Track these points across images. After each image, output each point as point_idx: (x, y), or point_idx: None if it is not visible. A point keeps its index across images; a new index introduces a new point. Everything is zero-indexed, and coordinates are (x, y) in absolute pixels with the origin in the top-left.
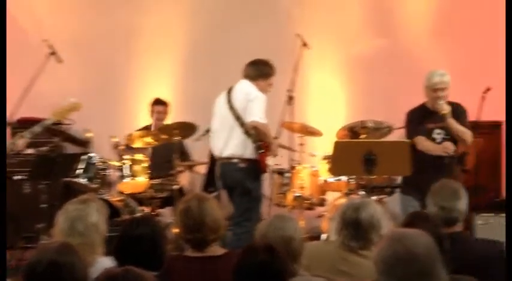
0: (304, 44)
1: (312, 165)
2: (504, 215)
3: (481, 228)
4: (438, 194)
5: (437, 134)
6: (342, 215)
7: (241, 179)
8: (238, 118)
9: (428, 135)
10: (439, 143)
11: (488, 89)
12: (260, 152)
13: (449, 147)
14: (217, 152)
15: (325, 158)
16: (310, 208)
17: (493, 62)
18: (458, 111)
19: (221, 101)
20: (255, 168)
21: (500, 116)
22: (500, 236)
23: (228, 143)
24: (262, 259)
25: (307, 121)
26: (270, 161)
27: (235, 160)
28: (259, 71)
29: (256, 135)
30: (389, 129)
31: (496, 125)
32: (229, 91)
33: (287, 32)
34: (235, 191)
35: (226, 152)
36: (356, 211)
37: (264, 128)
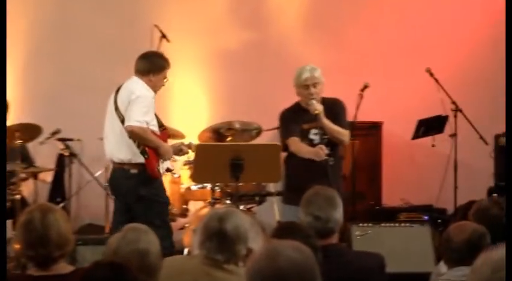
0: (163, 36)
1: (174, 171)
2: (385, 225)
3: (359, 240)
4: (311, 202)
5: (314, 134)
6: (205, 226)
7: (133, 186)
8: (123, 121)
9: (305, 136)
10: (318, 144)
11: (365, 87)
12: (146, 157)
13: (319, 151)
14: (108, 157)
15: (187, 163)
16: (171, 219)
17: (371, 58)
18: (335, 109)
19: (110, 101)
20: (147, 173)
21: (379, 116)
22: (380, 248)
23: (117, 147)
24: (105, 276)
25: (167, 122)
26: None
27: (126, 166)
28: (151, 64)
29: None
30: (258, 131)
31: (374, 125)
32: (118, 90)
33: (144, 22)
34: (129, 199)
35: (116, 158)
36: (220, 221)
37: (141, 132)
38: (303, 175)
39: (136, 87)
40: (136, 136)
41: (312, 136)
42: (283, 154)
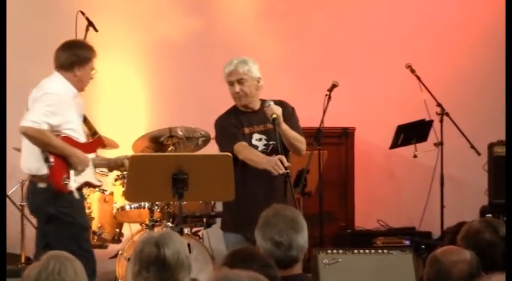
0: (90, 25)
1: (102, 188)
2: (358, 251)
3: (327, 269)
4: (270, 225)
5: (258, 140)
6: (140, 253)
7: (41, 204)
8: None
9: (247, 142)
10: (263, 152)
11: (334, 86)
12: (49, 164)
13: (278, 164)
14: (22, 168)
15: (119, 178)
16: (101, 245)
17: (340, 51)
18: (285, 113)
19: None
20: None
21: (351, 121)
22: (353, 279)
23: (27, 155)
24: None
25: (98, 129)
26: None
27: (35, 179)
28: (74, 56)
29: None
30: (206, 139)
31: (345, 132)
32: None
33: (67, 8)
34: (39, 219)
35: (26, 168)
36: (158, 246)
37: (37, 134)
38: (254, 191)
39: (50, 84)
40: (32, 139)
41: (255, 142)
42: None
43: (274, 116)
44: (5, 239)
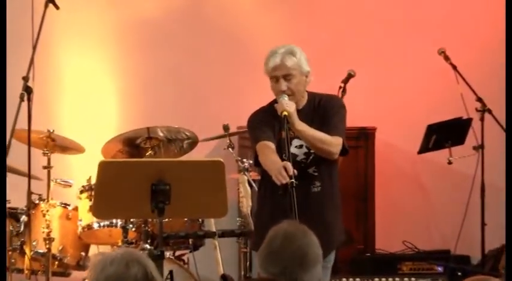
0: (50, 1)
1: (64, 202)
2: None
3: None
4: (274, 257)
5: (298, 147)
6: (96, 276)
7: None
8: None
9: (283, 149)
10: (302, 163)
11: (350, 77)
12: None
13: (281, 172)
14: None
15: (86, 189)
16: (63, 273)
17: (358, 36)
18: (329, 108)
19: None
20: None
21: (370, 119)
22: None
23: None
24: None
25: (57, 129)
26: None
27: None
28: None
29: None
30: (192, 142)
31: (363, 133)
32: None
33: None
34: None
35: None
36: (127, 265)
37: None
38: (275, 204)
39: None
40: None
41: (293, 150)
42: (230, 176)
43: (285, 113)
44: (5, 240)
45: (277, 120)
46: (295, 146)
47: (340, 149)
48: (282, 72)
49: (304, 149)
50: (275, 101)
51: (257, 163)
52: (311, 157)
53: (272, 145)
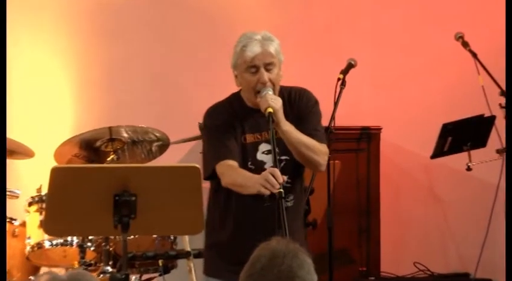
0: None
1: (10, 216)
2: None
3: None
4: (263, 272)
5: (265, 152)
6: None
7: None
8: None
9: (248, 156)
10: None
11: (350, 67)
12: None
13: (269, 179)
14: None
15: (36, 201)
16: None
17: (359, 18)
18: (303, 106)
19: None
20: None
21: (375, 117)
22: None
23: None
24: None
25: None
26: None
27: None
28: None
29: None
30: (163, 144)
31: (367, 134)
32: None
33: None
34: None
35: None
36: None
37: None
38: (242, 226)
39: None
40: None
41: (261, 156)
42: (206, 185)
43: (270, 110)
44: (5, 240)
45: (239, 119)
46: (263, 152)
47: (327, 159)
48: (264, 61)
49: (277, 156)
50: (236, 96)
51: (211, 176)
52: (282, 165)
53: (235, 163)
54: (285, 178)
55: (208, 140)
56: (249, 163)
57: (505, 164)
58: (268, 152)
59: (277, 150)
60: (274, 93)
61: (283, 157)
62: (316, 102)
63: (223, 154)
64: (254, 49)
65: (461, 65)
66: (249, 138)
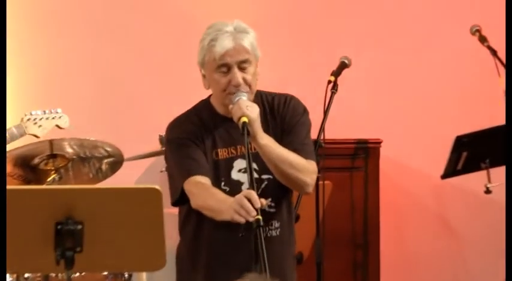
0: None
1: None
2: None
3: None
4: None
5: (242, 171)
6: None
7: None
8: None
9: (221, 175)
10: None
11: (343, 67)
12: None
13: (244, 204)
14: None
15: None
16: None
17: (355, 12)
18: (289, 116)
19: None
20: None
21: (373, 128)
22: None
23: None
24: None
25: None
26: None
27: None
28: None
29: None
30: (116, 161)
31: (364, 148)
32: None
33: None
34: None
35: None
36: None
37: None
38: (216, 263)
39: None
40: None
41: (236, 175)
42: (173, 209)
43: (245, 119)
44: (5, 240)
45: (209, 131)
46: (240, 170)
47: (315, 179)
48: (237, 58)
49: (254, 174)
50: (205, 103)
51: (180, 201)
52: (263, 185)
53: (207, 180)
54: (265, 202)
55: (173, 157)
56: (222, 183)
57: (505, 166)
58: (243, 171)
59: (256, 167)
60: (250, 97)
61: (264, 176)
62: (304, 111)
63: (192, 169)
64: (225, 44)
65: (478, 65)
66: (222, 153)
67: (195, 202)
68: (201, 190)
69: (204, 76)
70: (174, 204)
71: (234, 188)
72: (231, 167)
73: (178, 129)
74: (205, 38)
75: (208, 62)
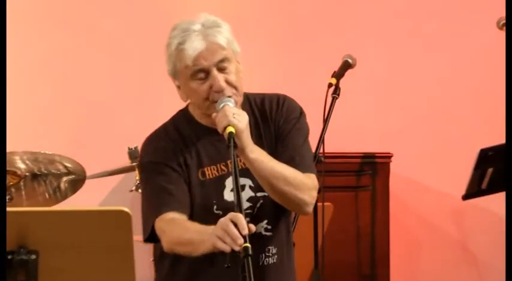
0: None
1: None
2: None
3: None
4: None
5: (230, 190)
6: None
7: None
8: None
9: (213, 197)
10: (249, 216)
11: (346, 67)
12: None
13: (229, 229)
14: None
15: None
16: None
17: (362, 9)
18: (282, 120)
19: None
20: None
21: (383, 141)
22: None
23: None
24: None
25: None
26: None
27: None
28: None
29: None
30: (77, 179)
31: (371, 164)
32: None
33: None
34: None
35: None
36: None
37: None
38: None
39: None
40: None
41: (229, 195)
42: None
43: (231, 129)
44: (5, 240)
45: (191, 147)
46: (232, 190)
47: (315, 196)
48: (214, 59)
49: (249, 192)
50: (184, 114)
51: (152, 239)
52: (259, 204)
53: (183, 217)
54: (254, 228)
55: (145, 188)
56: (215, 208)
57: (505, 167)
58: (232, 190)
59: (251, 184)
60: (239, 99)
61: (259, 194)
62: (301, 114)
63: (165, 204)
64: (195, 45)
65: (503, 67)
66: (210, 172)
67: (168, 239)
68: (174, 225)
69: (178, 87)
70: (145, 241)
71: (228, 212)
72: (223, 187)
73: (152, 150)
74: (172, 42)
75: (181, 70)
